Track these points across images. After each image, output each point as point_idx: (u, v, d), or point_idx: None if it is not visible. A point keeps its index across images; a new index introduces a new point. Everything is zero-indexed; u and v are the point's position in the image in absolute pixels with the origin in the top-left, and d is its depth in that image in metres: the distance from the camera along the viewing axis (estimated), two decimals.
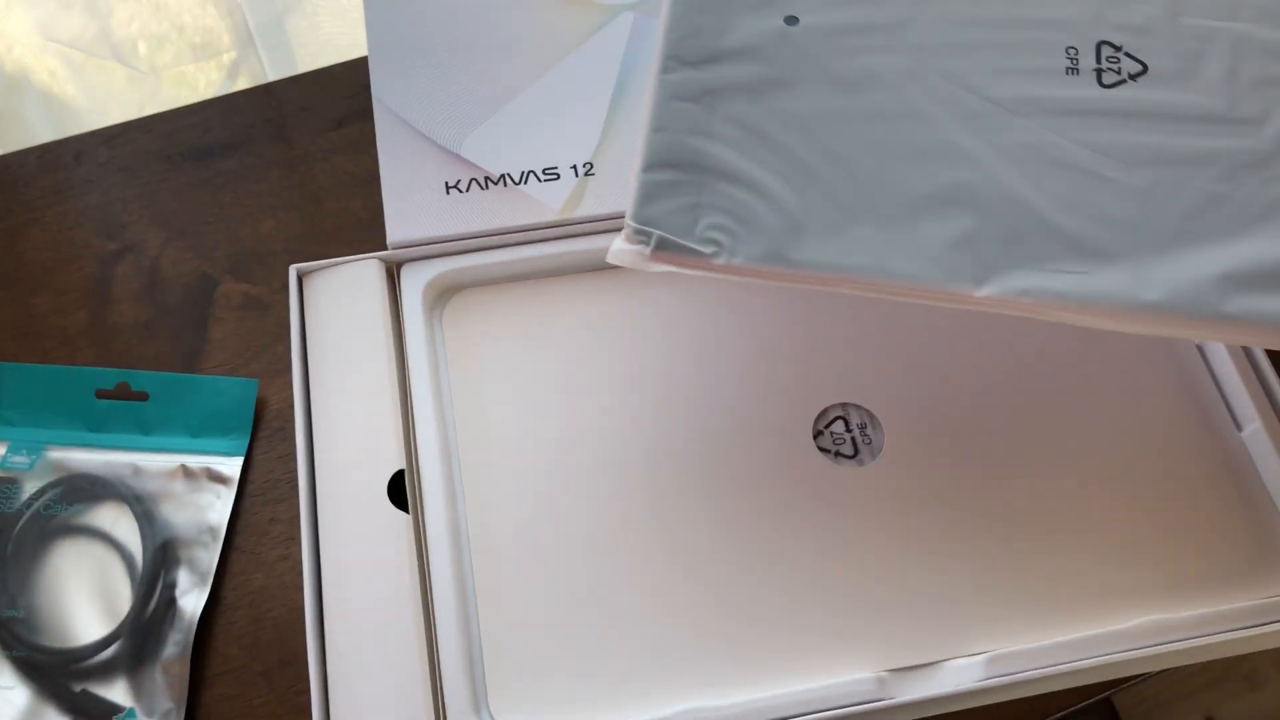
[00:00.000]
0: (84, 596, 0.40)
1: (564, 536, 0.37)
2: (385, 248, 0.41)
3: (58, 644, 0.39)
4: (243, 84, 0.73)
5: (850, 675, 0.35)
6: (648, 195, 0.32)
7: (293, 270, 0.41)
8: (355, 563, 0.36)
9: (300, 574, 0.41)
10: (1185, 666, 0.36)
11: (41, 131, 0.71)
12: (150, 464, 0.43)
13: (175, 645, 0.40)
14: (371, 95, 0.43)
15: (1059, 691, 0.36)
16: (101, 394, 0.44)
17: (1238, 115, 0.34)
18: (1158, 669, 0.37)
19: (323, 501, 0.37)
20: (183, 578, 0.41)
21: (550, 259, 0.42)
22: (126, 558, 0.41)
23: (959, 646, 0.36)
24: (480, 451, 0.39)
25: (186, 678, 0.39)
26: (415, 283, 0.41)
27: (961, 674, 0.35)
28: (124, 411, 0.44)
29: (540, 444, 0.39)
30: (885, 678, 0.35)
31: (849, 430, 0.40)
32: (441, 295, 0.42)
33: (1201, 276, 0.32)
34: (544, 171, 0.42)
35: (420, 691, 0.34)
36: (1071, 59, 0.35)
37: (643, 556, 0.37)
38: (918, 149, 0.33)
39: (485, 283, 0.42)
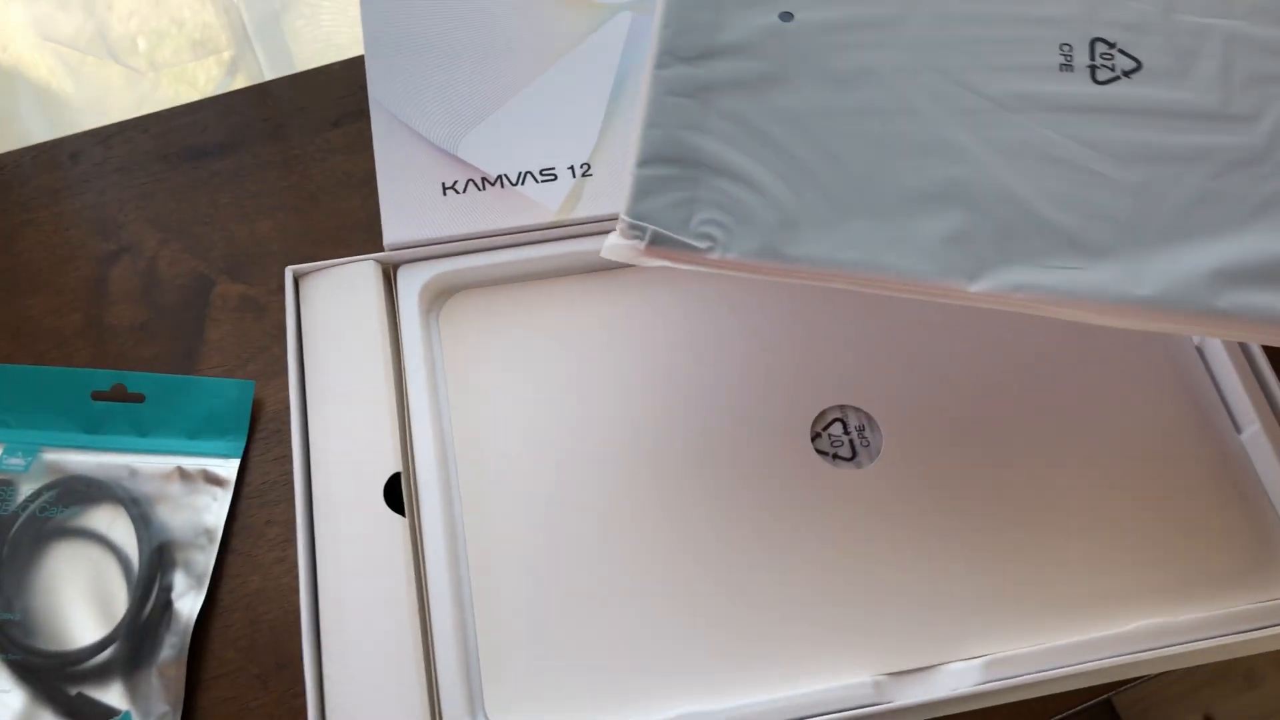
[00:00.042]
0: (80, 599, 0.40)
1: (561, 539, 0.37)
2: (382, 248, 0.41)
3: (53, 647, 0.39)
4: (240, 82, 0.73)
5: (847, 679, 0.35)
6: (642, 190, 0.32)
7: (289, 272, 0.41)
8: (351, 566, 0.36)
9: (297, 576, 0.41)
10: None
11: (37, 131, 0.70)
12: (146, 466, 0.43)
13: (171, 648, 0.40)
14: (368, 95, 0.43)
15: (1058, 694, 0.36)
16: (97, 396, 0.44)
17: (1231, 112, 0.34)
18: (1156, 672, 0.37)
19: (319, 504, 0.37)
20: (179, 580, 0.41)
21: (547, 260, 0.42)
22: (122, 560, 0.41)
23: (957, 650, 0.36)
24: (477, 454, 0.39)
25: (183, 680, 0.39)
26: (412, 284, 0.41)
27: (959, 677, 0.35)
28: (120, 413, 0.44)
29: (537, 446, 0.39)
30: (883, 681, 0.35)
31: (847, 432, 0.40)
32: (438, 297, 0.42)
33: (1194, 272, 0.32)
34: (541, 172, 0.42)
35: (416, 695, 0.34)
36: (1066, 55, 0.35)
37: (640, 560, 0.37)
38: (912, 145, 0.33)
39: (482, 284, 0.42)
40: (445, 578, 0.36)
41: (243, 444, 0.44)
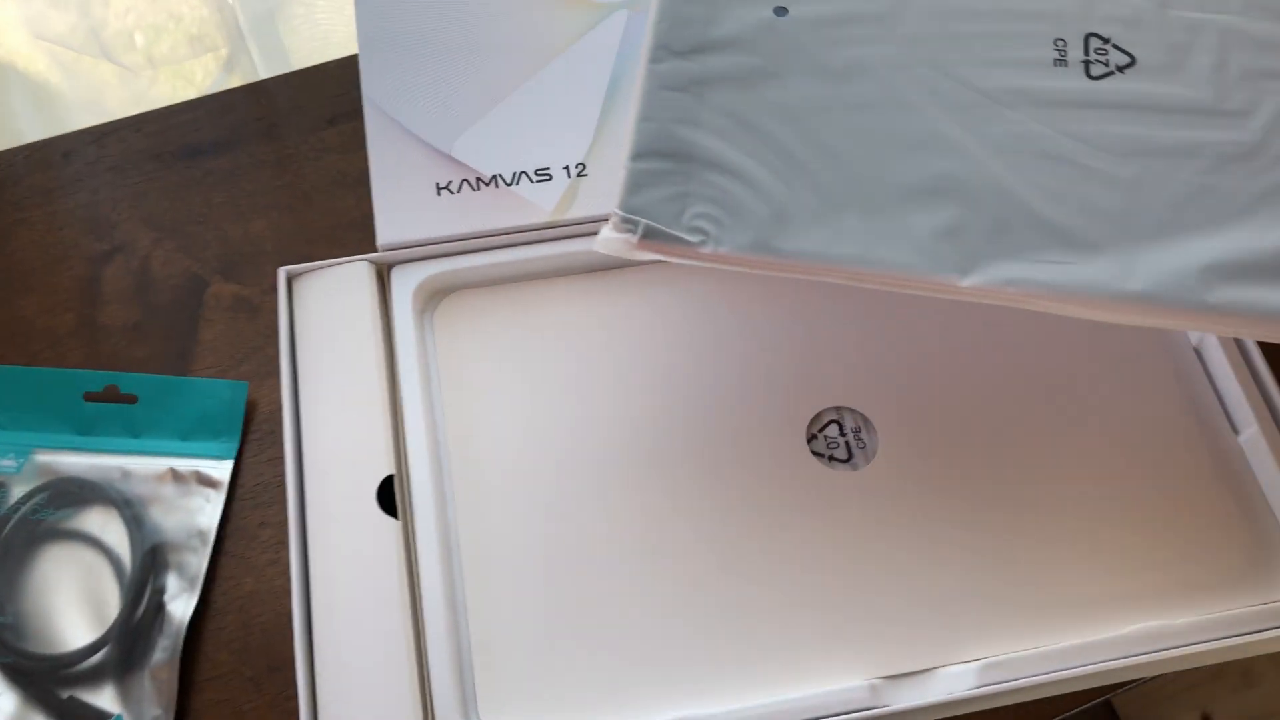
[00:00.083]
0: (72, 601, 0.40)
1: (554, 542, 0.37)
2: (377, 248, 0.41)
3: (45, 650, 0.39)
4: (235, 80, 0.72)
5: (842, 683, 0.35)
6: (636, 184, 0.32)
7: (282, 272, 0.40)
8: (344, 568, 0.36)
9: (290, 579, 0.41)
10: None
11: (30, 130, 0.70)
12: (139, 467, 0.43)
13: (164, 650, 0.40)
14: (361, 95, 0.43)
15: (1055, 696, 0.36)
16: (90, 397, 0.44)
17: (1225, 107, 0.34)
18: (1153, 675, 0.37)
19: (311, 507, 0.37)
20: (172, 582, 0.41)
21: (542, 261, 0.42)
22: (115, 562, 0.41)
23: (953, 653, 0.36)
24: (470, 456, 0.39)
25: (175, 683, 0.39)
26: (406, 285, 0.41)
27: (955, 681, 0.35)
28: (113, 414, 0.44)
29: (531, 448, 0.39)
30: (878, 685, 0.35)
31: (843, 434, 0.39)
32: (432, 297, 0.42)
33: (1185, 267, 0.32)
34: (536, 172, 0.42)
35: (409, 698, 0.34)
36: (1060, 51, 0.35)
37: (634, 562, 0.37)
38: (905, 139, 0.33)
39: (476, 285, 0.42)
40: (438, 580, 0.36)
41: (236, 445, 0.44)
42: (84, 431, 0.43)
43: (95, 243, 0.49)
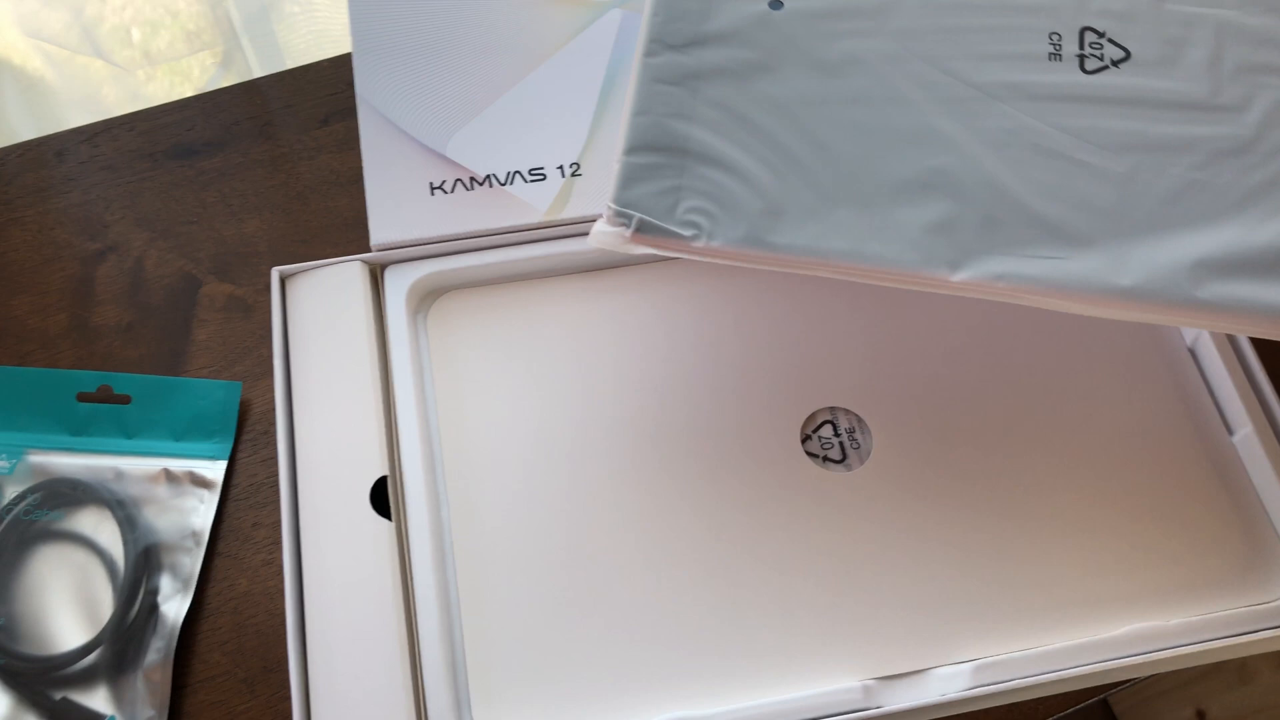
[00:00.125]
0: (65, 603, 0.40)
1: (548, 543, 0.37)
2: (370, 248, 0.41)
3: (38, 651, 0.39)
4: (230, 79, 0.72)
5: (836, 684, 0.35)
6: (629, 177, 0.32)
7: (275, 273, 0.40)
8: (337, 570, 0.36)
9: (284, 579, 0.40)
10: None
11: (23, 128, 0.70)
12: (133, 468, 0.43)
13: (157, 652, 0.40)
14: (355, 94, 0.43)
15: (1049, 696, 0.36)
16: (83, 397, 0.44)
17: (1219, 102, 0.34)
18: (1147, 675, 0.37)
19: (305, 508, 0.37)
20: (165, 583, 0.41)
21: (536, 261, 0.41)
22: (108, 563, 0.41)
23: (946, 654, 0.36)
24: (464, 457, 0.38)
25: (169, 685, 0.39)
26: (399, 285, 0.41)
27: (949, 682, 0.35)
28: (106, 415, 0.44)
29: (525, 449, 0.39)
30: (872, 686, 0.35)
31: (837, 435, 0.39)
32: (426, 298, 0.41)
33: (1177, 262, 0.32)
34: (530, 172, 0.42)
35: (403, 700, 0.34)
36: (1054, 45, 0.35)
37: (627, 563, 0.37)
38: (898, 134, 0.33)
39: (470, 285, 0.42)
40: (431, 582, 0.36)
41: (230, 446, 0.44)
42: (77, 432, 0.43)
43: (88, 242, 0.49)
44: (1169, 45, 0.35)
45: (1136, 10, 0.35)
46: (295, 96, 0.54)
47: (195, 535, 0.42)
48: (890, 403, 0.40)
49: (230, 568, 0.42)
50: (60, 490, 0.42)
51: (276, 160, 0.52)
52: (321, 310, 0.40)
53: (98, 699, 0.38)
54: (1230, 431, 0.40)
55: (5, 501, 0.41)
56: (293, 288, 0.41)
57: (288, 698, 0.40)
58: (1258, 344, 0.41)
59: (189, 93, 0.53)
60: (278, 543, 0.42)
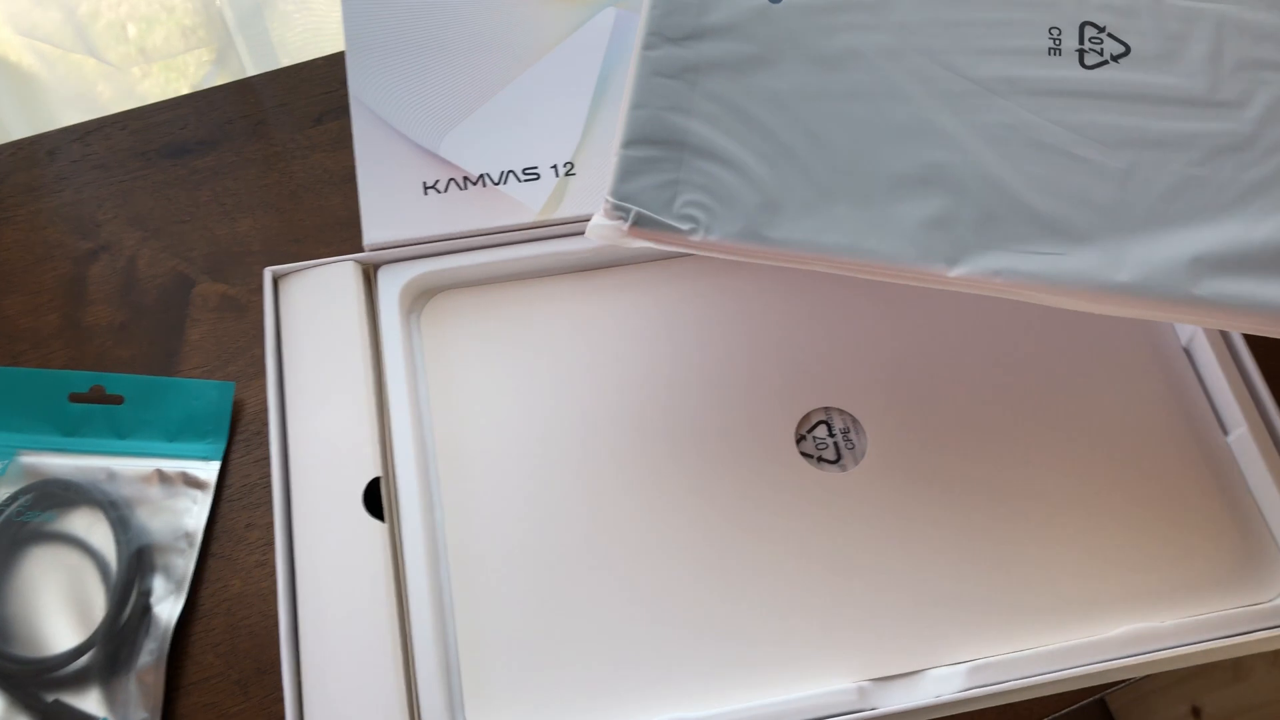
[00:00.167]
0: (57, 604, 0.40)
1: (542, 544, 0.37)
2: (364, 248, 0.40)
3: (30, 653, 0.39)
4: (223, 77, 0.72)
5: (831, 685, 0.35)
6: (627, 171, 0.32)
7: (267, 273, 0.40)
8: (331, 571, 0.35)
9: (277, 581, 0.40)
10: None
11: (15, 127, 0.70)
12: (125, 469, 0.43)
13: (150, 653, 0.39)
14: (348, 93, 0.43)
15: (1045, 697, 0.36)
16: (75, 397, 0.43)
17: (1219, 98, 0.34)
18: (1141, 675, 0.37)
19: (298, 509, 0.37)
20: (158, 584, 0.41)
21: (530, 260, 0.41)
22: (101, 564, 0.41)
23: (941, 655, 0.36)
24: (458, 458, 0.38)
25: (162, 686, 0.39)
26: (392, 285, 0.40)
27: (944, 683, 0.35)
28: (98, 415, 0.43)
29: (519, 450, 0.39)
30: (866, 687, 0.35)
31: (832, 435, 0.39)
32: (419, 297, 0.41)
33: (1174, 259, 0.32)
34: (524, 171, 0.42)
35: (396, 701, 0.34)
36: (1054, 39, 0.35)
37: (622, 564, 0.37)
38: (896, 128, 0.33)
39: (464, 285, 0.42)
40: (425, 583, 0.36)
41: (223, 446, 0.44)
42: (69, 432, 0.43)
43: (80, 242, 0.49)
44: (1169, 41, 0.35)
45: (1137, 5, 0.35)
46: (289, 95, 0.53)
47: (188, 536, 0.42)
48: (885, 403, 0.40)
49: (223, 569, 0.42)
50: (52, 491, 0.42)
51: (270, 159, 0.51)
52: (315, 310, 0.40)
53: (90, 701, 0.38)
54: (1225, 431, 0.40)
55: None
56: (286, 288, 0.40)
57: (281, 699, 0.39)
58: (1253, 344, 0.40)
59: (184, 90, 0.53)
60: (271, 544, 0.42)
